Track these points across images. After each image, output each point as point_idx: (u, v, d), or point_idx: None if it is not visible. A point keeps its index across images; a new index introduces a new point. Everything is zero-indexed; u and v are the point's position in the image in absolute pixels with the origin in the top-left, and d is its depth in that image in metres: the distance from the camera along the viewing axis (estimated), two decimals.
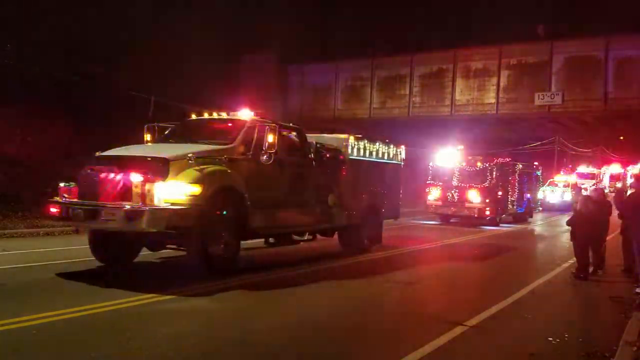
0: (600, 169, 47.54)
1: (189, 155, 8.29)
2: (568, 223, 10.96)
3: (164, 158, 8.24)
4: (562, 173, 38.70)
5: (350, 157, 11.73)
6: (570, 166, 46.57)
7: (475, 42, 26.71)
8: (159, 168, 8.09)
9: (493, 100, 25.69)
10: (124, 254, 9.24)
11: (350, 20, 28.82)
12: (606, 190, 20.47)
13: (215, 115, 10.23)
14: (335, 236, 12.21)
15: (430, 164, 22.24)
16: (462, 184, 21.17)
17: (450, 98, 26.53)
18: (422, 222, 21.60)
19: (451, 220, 21.81)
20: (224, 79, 23.76)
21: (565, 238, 17.09)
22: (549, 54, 24.51)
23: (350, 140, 11.80)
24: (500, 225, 21.38)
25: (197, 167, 8.21)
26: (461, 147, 23.57)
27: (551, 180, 35.22)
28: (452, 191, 21.21)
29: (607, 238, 11.36)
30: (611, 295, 8.81)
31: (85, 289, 7.52)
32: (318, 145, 11.04)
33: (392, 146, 13.40)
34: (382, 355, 5.45)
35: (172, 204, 7.79)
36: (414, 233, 17.48)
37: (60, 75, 18.04)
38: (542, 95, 24.37)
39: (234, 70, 26.03)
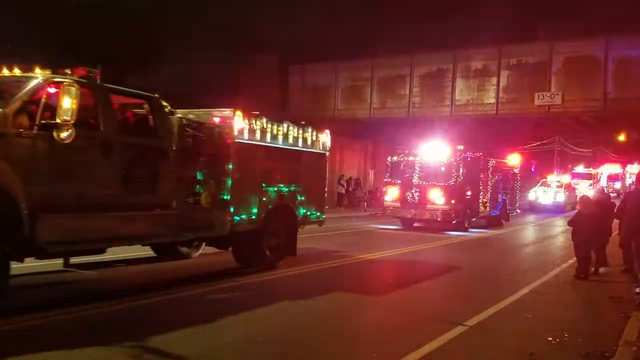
0: (598, 169, 47.40)
1: None
2: (569, 223, 11.00)
3: None
4: (555, 173, 37.91)
5: (240, 140, 8.70)
6: (570, 166, 46.49)
7: (475, 42, 26.67)
8: None
9: (493, 100, 25.70)
10: None
11: (351, 20, 28.81)
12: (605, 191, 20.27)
13: (6, 72, 6.99)
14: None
15: (388, 159, 19.60)
16: (424, 182, 18.14)
17: (450, 98, 26.54)
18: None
19: (415, 225, 18.86)
20: (224, 79, 23.76)
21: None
22: (549, 54, 24.52)
23: (238, 118, 8.63)
24: (470, 230, 18.38)
25: None
26: (461, 146, 23.36)
27: (544, 180, 34.55)
28: (413, 190, 18.15)
29: (609, 238, 11.36)
30: (611, 295, 8.83)
31: None
32: (184, 123, 8.30)
33: (309, 130, 10.42)
34: None
35: None
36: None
37: None
38: (542, 95, 24.38)
39: (234, 71, 26.03)
